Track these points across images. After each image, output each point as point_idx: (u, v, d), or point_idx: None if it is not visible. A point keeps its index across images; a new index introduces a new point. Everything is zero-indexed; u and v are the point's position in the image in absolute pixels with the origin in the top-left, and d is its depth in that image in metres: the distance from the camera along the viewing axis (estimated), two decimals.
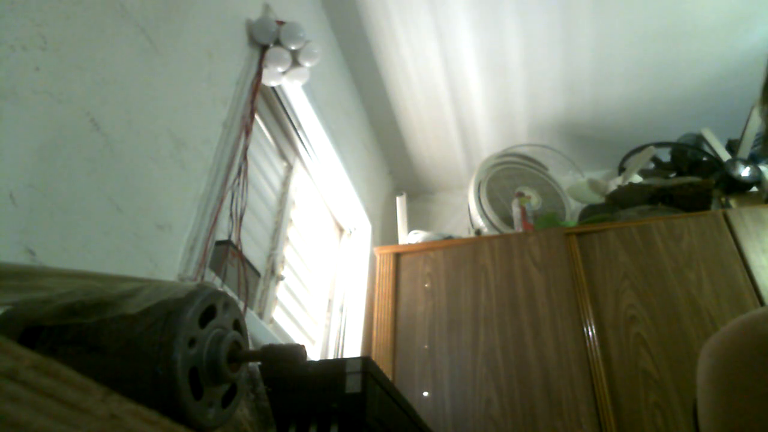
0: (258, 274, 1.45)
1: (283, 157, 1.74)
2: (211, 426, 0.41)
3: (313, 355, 1.78)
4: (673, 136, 2.32)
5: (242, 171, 1.24)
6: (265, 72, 1.40)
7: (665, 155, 2.34)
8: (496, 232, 2.11)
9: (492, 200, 2.23)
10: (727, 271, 1.64)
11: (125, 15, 0.94)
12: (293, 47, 1.41)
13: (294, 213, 1.74)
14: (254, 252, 1.45)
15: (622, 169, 2.37)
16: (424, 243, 2.03)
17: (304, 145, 1.83)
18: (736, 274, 1.63)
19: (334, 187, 2.03)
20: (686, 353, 1.52)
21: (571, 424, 1.47)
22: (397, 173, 2.77)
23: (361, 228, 2.23)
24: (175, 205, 1.02)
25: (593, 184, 2.23)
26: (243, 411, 0.54)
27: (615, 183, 2.20)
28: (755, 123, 2.10)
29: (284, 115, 1.71)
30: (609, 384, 1.52)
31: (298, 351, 0.46)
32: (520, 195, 2.18)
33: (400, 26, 2.07)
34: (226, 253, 1.19)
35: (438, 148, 2.62)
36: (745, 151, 2.11)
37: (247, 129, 1.28)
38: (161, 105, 1.01)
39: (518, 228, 2.07)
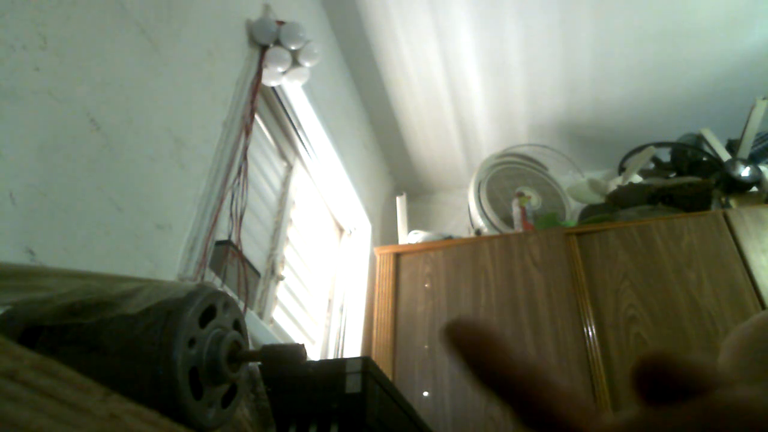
0: (258, 274, 1.45)
1: (283, 157, 1.74)
2: (211, 426, 0.41)
3: (313, 355, 1.78)
4: (673, 136, 2.32)
5: (242, 171, 1.24)
6: (265, 72, 1.40)
7: (665, 155, 2.34)
8: (496, 232, 2.11)
9: (492, 200, 2.23)
10: (727, 271, 1.64)
11: (125, 15, 0.94)
12: (293, 47, 1.41)
13: (294, 213, 1.74)
14: (254, 252, 1.45)
15: (622, 169, 2.37)
16: (424, 243, 2.03)
17: (304, 145, 1.83)
18: (736, 274, 1.63)
19: (334, 187, 2.03)
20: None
21: None
22: (397, 173, 2.77)
23: (361, 228, 2.23)
24: (175, 205, 1.02)
25: (593, 184, 2.23)
26: (243, 411, 0.54)
27: (615, 183, 2.20)
28: (755, 123, 2.10)
29: (284, 115, 1.71)
30: (609, 384, 1.52)
31: (298, 351, 0.46)
32: (520, 195, 2.18)
33: (400, 26, 2.07)
34: (226, 253, 1.19)
35: (438, 148, 2.62)
36: (745, 151, 2.11)
37: (247, 129, 1.28)
38: (161, 105, 1.01)
39: (518, 228, 2.07)
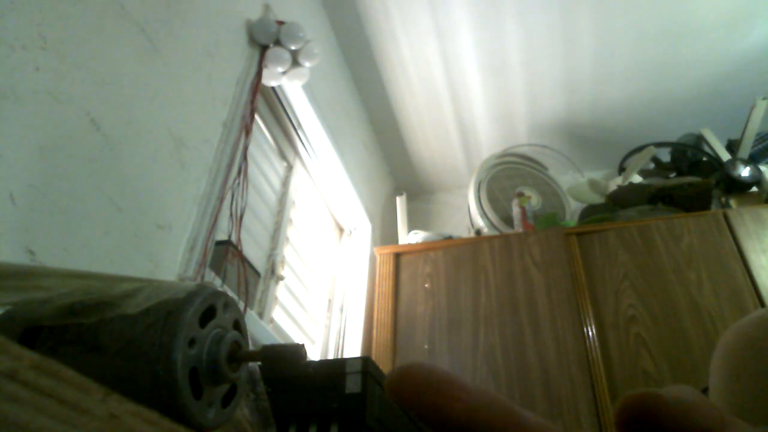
0: (258, 274, 1.45)
1: (283, 157, 1.74)
2: (211, 426, 0.41)
3: (313, 355, 1.78)
4: (673, 136, 2.32)
5: (242, 171, 1.24)
6: (265, 72, 1.40)
7: (665, 155, 2.34)
8: (496, 232, 2.11)
9: (492, 200, 2.23)
10: (727, 271, 1.64)
11: (125, 15, 0.94)
12: (293, 47, 1.41)
13: (294, 213, 1.74)
14: (254, 252, 1.45)
15: (622, 169, 2.37)
16: (424, 243, 2.03)
17: (304, 145, 1.83)
18: (736, 274, 1.63)
19: (334, 187, 2.03)
20: (686, 353, 1.52)
21: (571, 424, 1.47)
22: (397, 173, 2.77)
23: (361, 228, 2.23)
24: (175, 205, 1.02)
25: (593, 184, 2.23)
26: (243, 411, 0.54)
27: (615, 183, 2.20)
28: (755, 123, 2.10)
29: (284, 115, 1.71)
30: (609, 384, 1.52)
31: (298, 351, 0.46)
32: (520, 195, 2.18)
33: (400, 26, 2.07)
34: (226, 253, 1.19)
35: (438, 148, 2.62)
36: (745, 151, 2.11)
37: (247, 129, 1.28)
38: (161, 105, 1.01)
39: (518, 228, 2.07)
